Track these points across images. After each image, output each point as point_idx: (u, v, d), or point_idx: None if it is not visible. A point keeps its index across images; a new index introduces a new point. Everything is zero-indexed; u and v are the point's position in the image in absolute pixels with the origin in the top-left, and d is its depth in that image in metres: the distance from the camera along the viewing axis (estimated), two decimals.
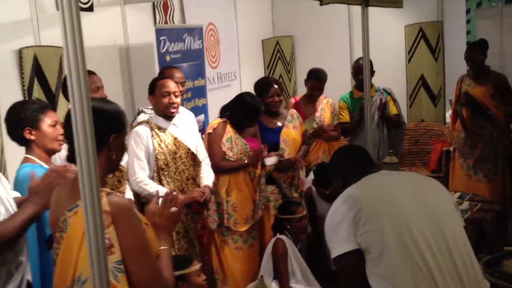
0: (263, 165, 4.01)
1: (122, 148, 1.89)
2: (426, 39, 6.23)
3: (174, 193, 2.04)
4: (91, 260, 1.39)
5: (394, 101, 4.99)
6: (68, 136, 1.84)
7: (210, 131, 3.90)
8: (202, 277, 2.84)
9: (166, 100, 3.44)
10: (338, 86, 5.82)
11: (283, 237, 3.69)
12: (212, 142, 3.87)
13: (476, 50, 4.78)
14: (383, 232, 2.00)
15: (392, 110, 4.95)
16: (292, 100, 4.95)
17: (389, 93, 4.97)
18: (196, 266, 2.80)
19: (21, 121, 2.51)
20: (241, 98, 3.95)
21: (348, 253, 2.03)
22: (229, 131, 3.89)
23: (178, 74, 3.91)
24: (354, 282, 2.09)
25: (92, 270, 1.40)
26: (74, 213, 1.77)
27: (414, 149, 6.32)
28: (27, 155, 2.56)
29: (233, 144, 3.87)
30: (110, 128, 1.80)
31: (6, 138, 2.74)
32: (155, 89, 3.48)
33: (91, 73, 3.11)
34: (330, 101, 4.91)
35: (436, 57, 6.23)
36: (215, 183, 3.83)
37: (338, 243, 2.07)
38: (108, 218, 1.68)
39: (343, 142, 5.36)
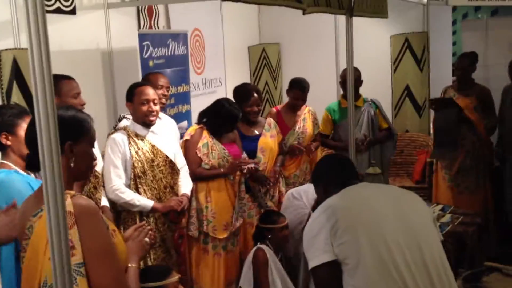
0: (241, 171, 3.98)
1: (83, 157, 1.86)
2: (411, 50, 6.23)
3: (149, 227, 2.12)
4: (53, 265, 1.35)
5: (383, 114, 4.98)
6: (29, 142, 1.82)
7: (187, 137, 3.87)
8: None
9: (145, 108, 3.39)
10: (324, 95, 5.82)
11: (263, 246, 3.65)
12: (188, 149, 3.83)
13: (467, 61, 4.83)
14: (358, 243, 2.02)
15: (382, 124, 4.94)
16: (274, 110, 4.90)
17: (377, 106, 4.96)
18: (175, 277, 2.75)
19: None
20: (219, 104, 3.93)
21: (325, 264, 2.04)
22: (206, 137, 3.87)
23: (162, 79, 3.88)
24: None
25: (55, 275, 1.36)
26: (38, 217, 1.74)
27: (398, 159, 6.31)
28: (2, 161, 2.51)
29: (209, 149, 3.84)
30: (65, 135, 1.74)
31: None
32: (133, 96, 3.42)
33: (69, 78, 3.06)
34: (311, 109, 4.87)
35: (421, 68, 6.24)
36: (195, 189, 3.80)
37: (316, 254, 2.07)
38: (71, 219, 1.65)
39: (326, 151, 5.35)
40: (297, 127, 4.70)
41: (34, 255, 1.71)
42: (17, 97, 3.42)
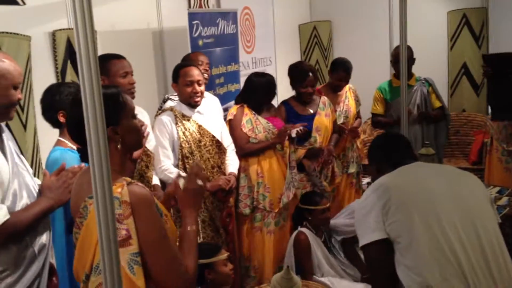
0: (291, 140, 3.94)
1: (129, 133, 1.81)
2: (469, 26, 6.01)
3: (198, 164, 1.96)
4: (102, 253, 1.35)
5: (436, 93, 4.81)
6: (74, 135, 1.82)
7: (231, 117, 3.88)
8: (229, 266, 2.81)
9: (189, 89, 3.40)
10: (376, 74, 5.69)
11: (304, 230, 3.59)
12: (233, 127, 3.84)
13: None
14: (412, 222, 1.99)
15: (435, 103, 4.77)
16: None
17: (430, 84, 4.80)
18: (224, 255, 2.78)
19: (56, 104, 2.51)
20: (252, 81, 3.92)
21: (375, 242, 2.04)
22: (248, 113, 3.88)
23: (201, 56, 3.92)
24: (381, 271, 2.10)
25: (103, 263, 1.37)
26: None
27: (454, 139, 6.13)
28: (60, 138, 2.58)
29: (254, 124, 3.85)
30: (115, 112, 1.75)
31: (40, 120, 2.76)
32: (178, 77, 3.43)
33: (120, 57, 3.09)
34: (351, 87, 4.73)
35: (479, 45, 6.01)
36: (245, 167, 3.81)
37: (366, 232, 2.08)
38: (127, 209, 1.65)
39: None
40: (340, 107, 4.61)
41: (88, 237, 1.73)
42: (71, 77, 3.50)
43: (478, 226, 2.00)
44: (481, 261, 1.95)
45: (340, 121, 4.52)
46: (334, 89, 4.66)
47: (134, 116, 1.85)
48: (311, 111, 4.24)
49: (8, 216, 1.93)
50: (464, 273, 1.91)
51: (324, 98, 4.37)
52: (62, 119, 2.52)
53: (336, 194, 4.49)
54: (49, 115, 2.56)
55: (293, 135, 3.88)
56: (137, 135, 1.86)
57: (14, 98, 2.04)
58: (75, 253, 1.82)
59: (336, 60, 4.66)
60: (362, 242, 2.09)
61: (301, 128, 3.90)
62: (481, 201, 2.12)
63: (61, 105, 2.50)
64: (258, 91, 3.87)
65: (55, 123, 2.58)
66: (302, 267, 3.50)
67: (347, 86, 4.69)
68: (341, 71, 4.55)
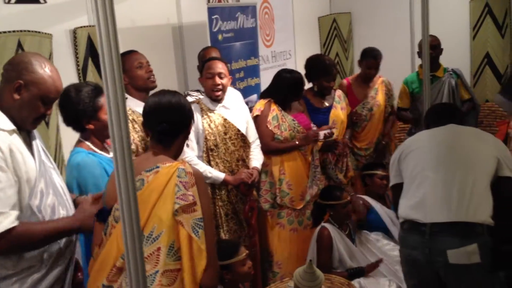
0: (317, 140, 3.92)
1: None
2: (492, 15, 5.91)
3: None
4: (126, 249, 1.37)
5: (465, 84, 4.74)
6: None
7: (258, 113, 3.85)
8: (248, 264, 2.82)
9: (210, 82, 3.41)
10: (398, 66, 5.62)
11: (328, 225, 3.55)
12: (259, 123, 3.81)
13: None
14: (406, 170, 2.76)
15: (464, 95, 4.71)
16: (344, 82, 4.76)
17: (458, 75, 4.73)
18: (242, 255, 2.78)
19: (80, 114, 2.46)
20: (280, 77, 3.93)
21: (395, 185, 2.87)
22: (275, 109, 3.86)
23: (214, 53, 3.89)
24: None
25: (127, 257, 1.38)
26: (154, 172, 1.93)
27: None
28: (81, 139, 2.55)
29: (280, 121, 3.83)
30: (190, 118, 2.15)
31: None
32: (203, 71, 3.45)
33: (131, 52, 3.11)
34: (385, 80, 4.69)
35: (503, 34, 5.90)
36: (267, 163, 3.80)
37: (391, 177, 2.93)
38: (192, 178, 1.90)
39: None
40: (367, 98, 4.57)
41: (143, 206, 1.82)
42: (92, 74, 3.51)
43: (458, 174, 2.56)
44: (445, 197, 2.52)
45: (362, 112, 4.49)
46: (364, 80, 4.63)
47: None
48: (327, 104, 4.23)
49: (15, 223, 1.88)
50: (426, 208, 2.55)
51: (339, 92, 4.36)
52: (87, 126, 2.48)
53: (352, 188, 4.43)
54: (71, 123, 2.53)
55: (321, 137, 3.86)
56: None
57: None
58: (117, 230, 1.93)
59: (364, 49, 4.67)
60: (389, 185, 2.97)
61: (329, 131, 3.88)
62: (479, 156, 2.62)
63: (84, 114, 2.46)
64: (286, 88, 3.85)
65: (77, 128, 2.55)
66: (319, 262, 3.45)
67: (380, 79, 4.65)
68: (369, 58, 4.55)
